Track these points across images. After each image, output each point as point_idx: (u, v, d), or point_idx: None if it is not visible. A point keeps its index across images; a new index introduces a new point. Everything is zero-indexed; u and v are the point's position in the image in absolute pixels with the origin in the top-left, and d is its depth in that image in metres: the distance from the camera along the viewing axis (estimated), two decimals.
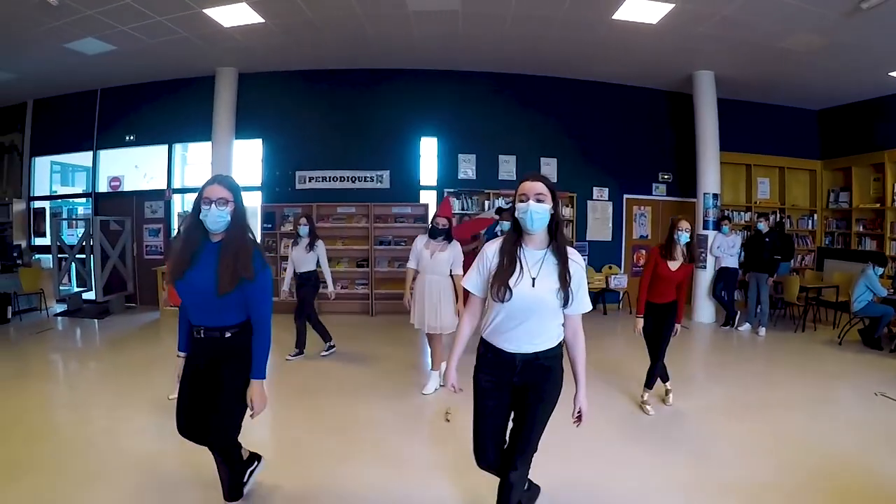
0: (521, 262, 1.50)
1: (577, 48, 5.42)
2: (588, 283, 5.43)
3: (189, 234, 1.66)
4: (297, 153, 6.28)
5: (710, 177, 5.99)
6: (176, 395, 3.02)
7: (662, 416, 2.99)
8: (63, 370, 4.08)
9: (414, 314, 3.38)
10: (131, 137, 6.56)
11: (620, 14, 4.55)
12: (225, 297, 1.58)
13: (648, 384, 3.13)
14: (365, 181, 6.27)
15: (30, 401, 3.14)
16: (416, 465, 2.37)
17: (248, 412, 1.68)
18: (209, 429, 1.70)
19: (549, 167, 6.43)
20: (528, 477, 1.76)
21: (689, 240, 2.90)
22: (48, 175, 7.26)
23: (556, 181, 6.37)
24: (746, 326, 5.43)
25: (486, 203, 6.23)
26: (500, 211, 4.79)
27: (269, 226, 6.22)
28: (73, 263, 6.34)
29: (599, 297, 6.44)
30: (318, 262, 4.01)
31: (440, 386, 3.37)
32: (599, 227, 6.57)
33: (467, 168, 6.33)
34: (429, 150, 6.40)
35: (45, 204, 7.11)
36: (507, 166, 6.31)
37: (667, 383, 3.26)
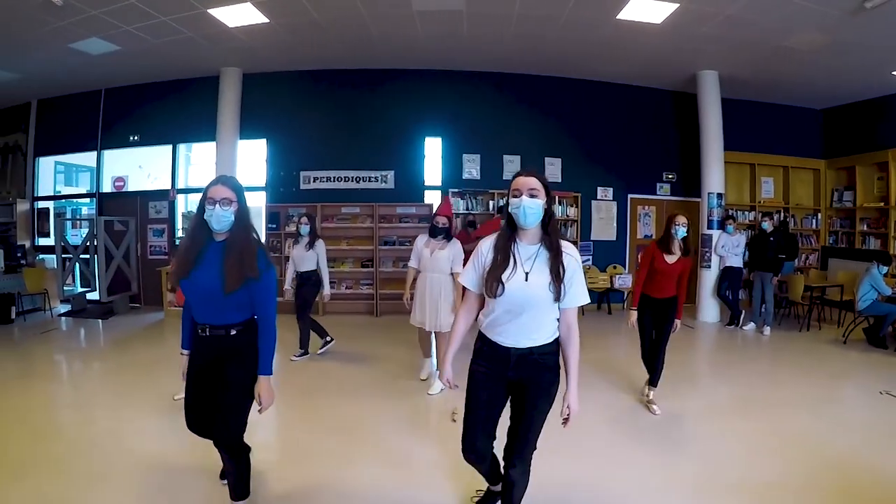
0: (514, 257, 1.51)
1: (582, 48, 5.42)
2: (593, 282, 5.44)
3: (194, 234, 1.68)
4: (302, 153, 6.28)
5: (714, 176, 5.99)
6: (181, 396, 3.06)
7: (667, 416, 2.99)
8: (67, 370, 4.08)
9: (414, 313, 3.41)
10: (135, 137, 6.56)
11: (625, 14, 4.55)
12: (231, 296, 1.61)
13: (653, 382, 3.13)
14: (369, 181, 6.27)
15: (34, 401, 3.14)
16: (423, 465, 2.37)
17: (256, 407, 1.71)
18: (215, 426, 1.71)
19: (553, 167, 6.43)
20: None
21: (685, 234, 2.95)
22: (52, 175, 7.25)
23: (560, 181, 6.44)
24: (751, 326, 5.43)
25: (491, 203, 6.24)
26: (501, 210, 4.82)
27: (274, 226, 6.22)
28: (77, 264, 6.34)
29: (604, 296, 6.45)
30: (317, 261, 4.02)
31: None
32: (604, 226, 6.57)
33: (472, 168, 6.33)
34: (433, 150, 6.40)
35: (49, 204, 7.12)
36: (512, 166, 6.30)
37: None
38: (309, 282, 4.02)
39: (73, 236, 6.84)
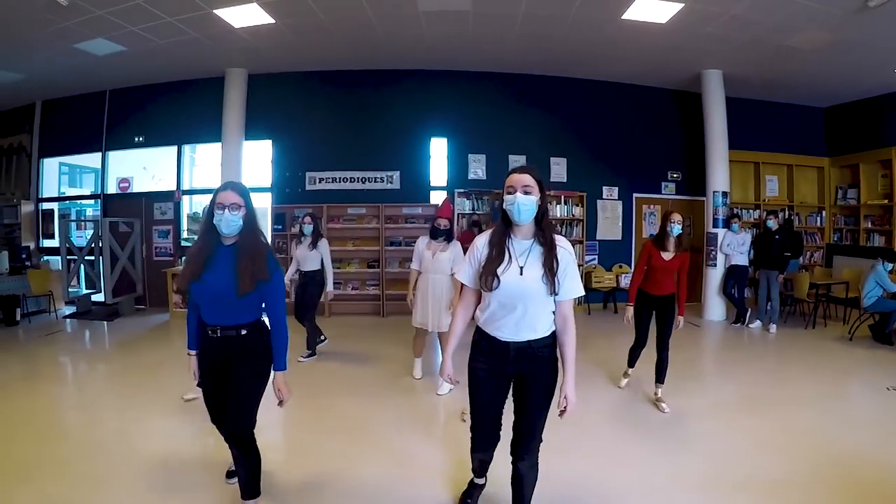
0: (509, 251, 1.54)
1: (587, 48, 5.43)
2: (598, 282, 5.46)
3: (204, 239, 1.74)
4: (307, 154, 6.28)
5: (719, 175, 6.00)
6: (190, 396, 3.08)
7: (674, 414, 3.00)
8: (72, 372, 4.07)
9: (416, 314, 3.43)
10: (140, 139, 6.55)
11: (630, 14, 4.56)
12: (242, 298, 1.67)
13: (660, 380, 3.14)
14: (375, 182, 6.26)
15: (40, 403, 3.14)
16: (428, 464, 2.38)
17: (277, 402, 1.79)
18: (227, 420, 1.77)
19: (558, 166, 6.45)
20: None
21: (681, 231, 3.01)
22: (56, 176, 7.24)
23: (565, 180, 6.45)
24: (757, 323, 5.44)
25: (497, 203, 6.24)
26: (475, 223, 4.87)
27: (280, 227, 6.21)
28: (82, 265, 6.32)
29: (610, 295, 6.46)
30: (321, 261, 4.03)
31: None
32: (609, 226, 6.58)
33: (477, 168, 6.34)
34: (439, 150, 6.40)
35: (54, 205, 7.10)
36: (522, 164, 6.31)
37: (629, 369, 3.39)
38: (313, 281, 4.02)
39: (77, 238, 6.84)
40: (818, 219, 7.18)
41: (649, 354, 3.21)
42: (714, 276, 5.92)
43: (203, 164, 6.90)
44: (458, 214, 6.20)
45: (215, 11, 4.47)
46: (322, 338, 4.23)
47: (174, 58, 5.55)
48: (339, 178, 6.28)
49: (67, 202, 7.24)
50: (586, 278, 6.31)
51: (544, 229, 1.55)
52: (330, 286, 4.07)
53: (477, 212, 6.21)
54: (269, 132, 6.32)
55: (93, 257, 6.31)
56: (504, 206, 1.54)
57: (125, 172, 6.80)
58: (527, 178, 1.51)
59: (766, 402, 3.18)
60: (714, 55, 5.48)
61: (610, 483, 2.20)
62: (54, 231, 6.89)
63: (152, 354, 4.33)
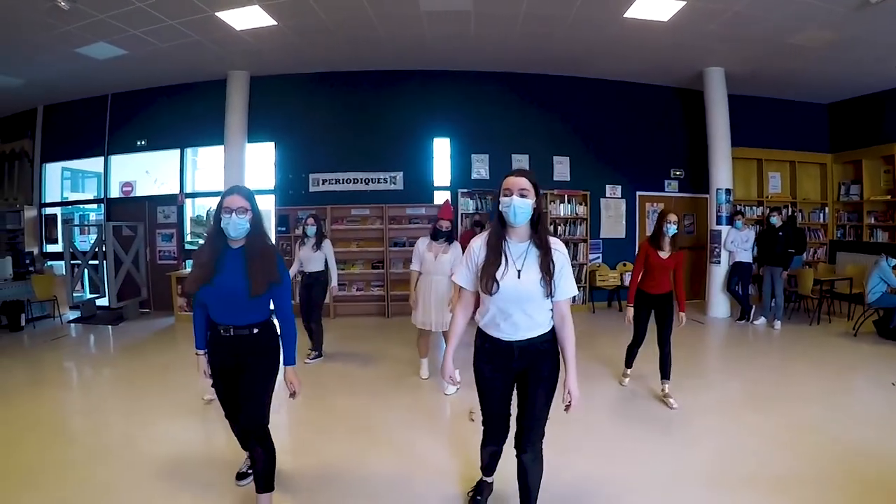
0: (506, 255, 1.57)
1: (589, 47, 5.42)
2: (603, 280, 5.50)
3: (212, 242, 1.80)
4: (310, 156, 6.27)
5: (722, 172, 5.99)
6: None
7: (679, 410, 3.02)
8: (78, 377, 4.07)
9: (417, 314, 3.44)
10: (143, 142, 6.55)
11: (632, 12, 4.55)
12: (255, 299, 1.74)
13: (665, 376, 3.17)
14: (378, 183, 6.26)
15: (46, 408, 3.14)
16: (439, 463, 2.39)
17: (289, 395, 1.87)
18: (243, 415, 1.84)
19: (561, 165, 6.45)
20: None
21: (676, 231, 3.05)
22: (59, 181, 7.24)
23: (569, 179, 6.45)
24: (762, 320, 5.44)
25: (496, 204, 6.22)
26: (477, 223, 4.90)
27: (283, 229, 6.21)
28: (86, 270, 6.32)
29: (614, 294, 6.46)
30: (325, 261, 4.05)
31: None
32: (613, 224, 6.57)
33: (480, 168, 6.33)
34: (442, 150, 6.39)
35: (57, 210, 7.11)
36: (521, 165, 6.24)
37: (627, 369, 3.44)
38: (318, 282, 4.04)
39: (81, 242, 6.83)
40: (821, 215, 7.18)
41: (652, 353, 3.24)
42: (718, 274, 5.92)
43: (205, 166, 6.91)
44: (462, 214, 6.20)
45: (217, 14, 4.47)
46: (317, 353, 4.18)
47: (176, 61, 5.54)
48: (343, 180, 6.28)
49: (70, 207, 7.24)
50: (590, 277, 6.31)
51: (539, 232, 1.58)
52: (334, 281, 4.11)
53: (480, 211, 6.21)
54: (272, 134, 6.31)
55: (97, 262, 6.33)
56: (500, 209, 1.56)
57: (128, 176, 6.80)
58: (523, 182, 1.53)
59: (771, 399, 3.19)
60: (716, 53, 5.48)
61: (616, 480, 2.21)
62: (57, 236, 6.89)
63: (157, 358, 4.33)
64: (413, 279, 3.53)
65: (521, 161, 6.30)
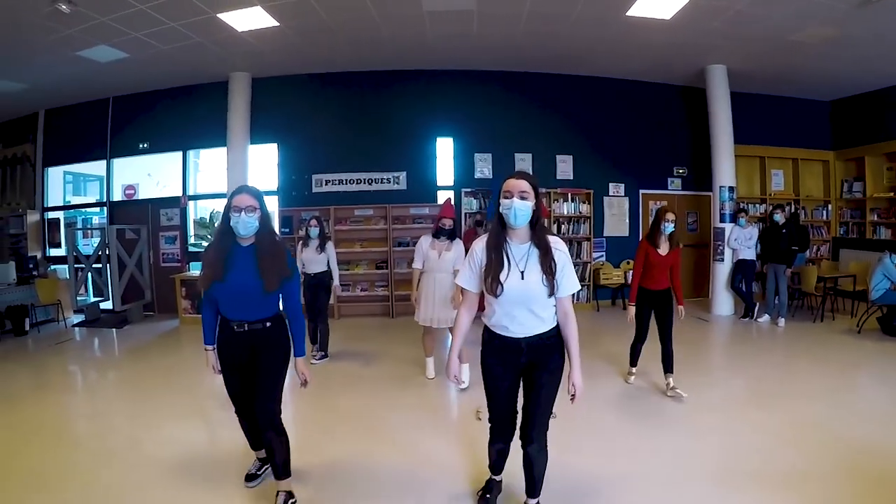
0: (508, 257, 1.61)
1: (591, 45, 5.42)
2: (607, 278, 5.54)
3: (222, 241, 1.85)
4: (313, 156, 6.27)
5: (725, 170, 5.99)
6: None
7: (684, 408, 3.03)
8: (83, 381, 4.07)
9: (420, 312, 3.45)
10: (145, 145, 6.54)
11: (634, 10, 4.55)
12: (268, 294, 1.81)
13: (668, 370, 3.23)
14: (382, 183, 6.26)
15: (51, 412, 3.13)
16: (448, 462, 2.39)
17: (301, 384, 1.96)
18: (258, 406, 1.90)
19: (564, 164, 6.45)
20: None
21: (672, 230, 3.11)
22: (61, 185, 7.23)
23: (572, 178, 6.45)
24: (765, 318, 5.44)
25: (495, 205, 6.22)
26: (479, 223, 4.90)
27: (287, 230, 6.20)
28: (90, 273, 6.32)
29: (618, 292, 6.46)
30: (328, 262, 4.07)
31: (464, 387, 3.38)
32: (616, 222, 6.57)
33: (483, 167, 6.33)
34: (445, 150, 6.39)
35: (59, 214, 7.10)
36: (524, 164, 6.31)
37: (632, 368, 3.48)
38: (322, 283, 4.05)
39: (84, 246, 6.82)
40: (824, 212, 7.18)
41: (654, 351, 3.27)
42: (722, 271, 5.92)
43: (206, 168, 6.90)
44: (465, 213, 6.20)
45: (219, 15, 4.46)
46: (323, 353, 4.20)
47: (178, 63, 5.53)
48: (346, 180, 6.27)
49: (73, 211, 7.24)
50: (594, 275, 6.31)
51: (538, 232, 1.62)
52: (337, 280, 4.13)
53: (483, 210, 6.21)
54: (275, 135, 6.31)
55: (100, 265, 6.31)
56: (500, 211, 1.60)
57: (130, 179, 6.79)
58: (523, 184, 1.57)
59: (775, 396, 3.19)
60: (718, 50, 5.48)
61: (620, 476, 2.22)
62: (60, 240, 6.89)
63: (162, 360, 4.33)
64: (415, 277, 3.54)
65: (523, 160, 6.30)
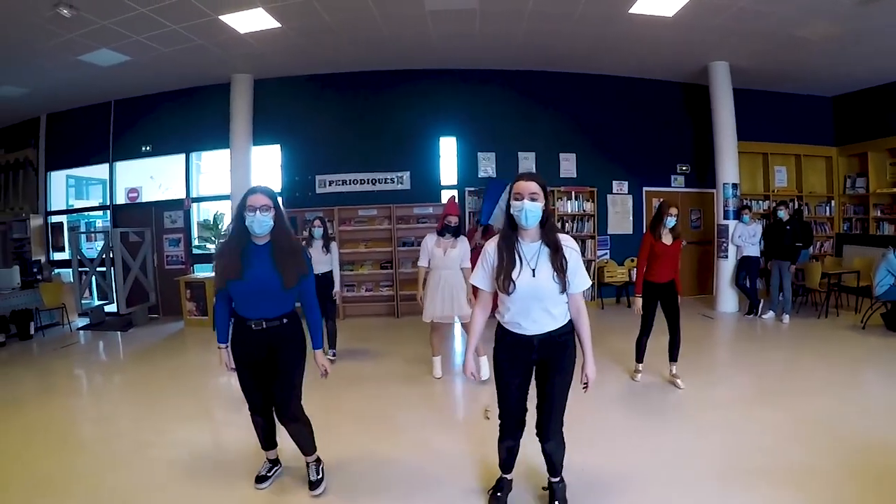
0: (520, 256, 1.65)
1: (594, 43, 5.41)
2: (611, 276, 5.57)
3: (238, 240, 1.88)
4: (316, 157, 6.26)
5: (728, 167, 5.98)
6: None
7: (689, 404, 3.03)
8: (88, 384, 4.06)
9: (427, 310, 3.46)
10: (147, 148, 6.54)
11: (637, 8, 4.54)
12: (287, 291, 1.86)
13: (673, 358, 3.29)
14: (385, 183, 6.26)
15: (57, 416, 3.12)
16: (457, 460, 2.39)
17: (320, 374, 2.03)
18: (280, 402, 1.97)
19: (568, 162, 6.44)
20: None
21: (675, 223, 3.18)
22: (64, 189, 7.23)
23: (575, 176, 6.45)
24: (770, 314, 5.43)
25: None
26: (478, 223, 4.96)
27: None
28: (94, 276, 6.32)
29: (623, 290, 6.46)
30: (331, 262, 4.07)
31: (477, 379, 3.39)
32: (620, 220, 6.57)
33: (487, 166, 6.33)
34: (448, 149, 6.39)
35: (63, 218, 7.10)
36: (527, 163, 6.30)
37: (639, 364, 3.49)
38: (329, 283, 4.06)
39: (88, 249, 6.83)
40: (827, 208, 7.17)
41: (660, 345, 3.30)
42: (726, 268, 5.92)
43: (208, 171, 6.90)
44: (469, 212, 6.20)
45: (220, 17, 4.45)
46: (333, 352, 4.22)
47: (179, 66, 5.53)
48: (349, 180, 6.27)
49: (76, 214, 7.23)
50: (599, 273, 6.31)
51: (548, 231, 1.66)
52: (338, 286, 4.14)
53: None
54: (277, 136, 6.31)
55: (104, 268, 6.32)
56: (511, 212, 1.64)
57: (133, 182, 6.80)
58: (533, 186, 1.61)
59: (780, 392, 3.19)
60: (721, 47, 5.47)
61: (625, 472, 2.22)
62: (64, 244, 6.89)
63: (167, 363, 4.33)
64: (421, 275, 3.56)
65: (527, 158, 6.30)
